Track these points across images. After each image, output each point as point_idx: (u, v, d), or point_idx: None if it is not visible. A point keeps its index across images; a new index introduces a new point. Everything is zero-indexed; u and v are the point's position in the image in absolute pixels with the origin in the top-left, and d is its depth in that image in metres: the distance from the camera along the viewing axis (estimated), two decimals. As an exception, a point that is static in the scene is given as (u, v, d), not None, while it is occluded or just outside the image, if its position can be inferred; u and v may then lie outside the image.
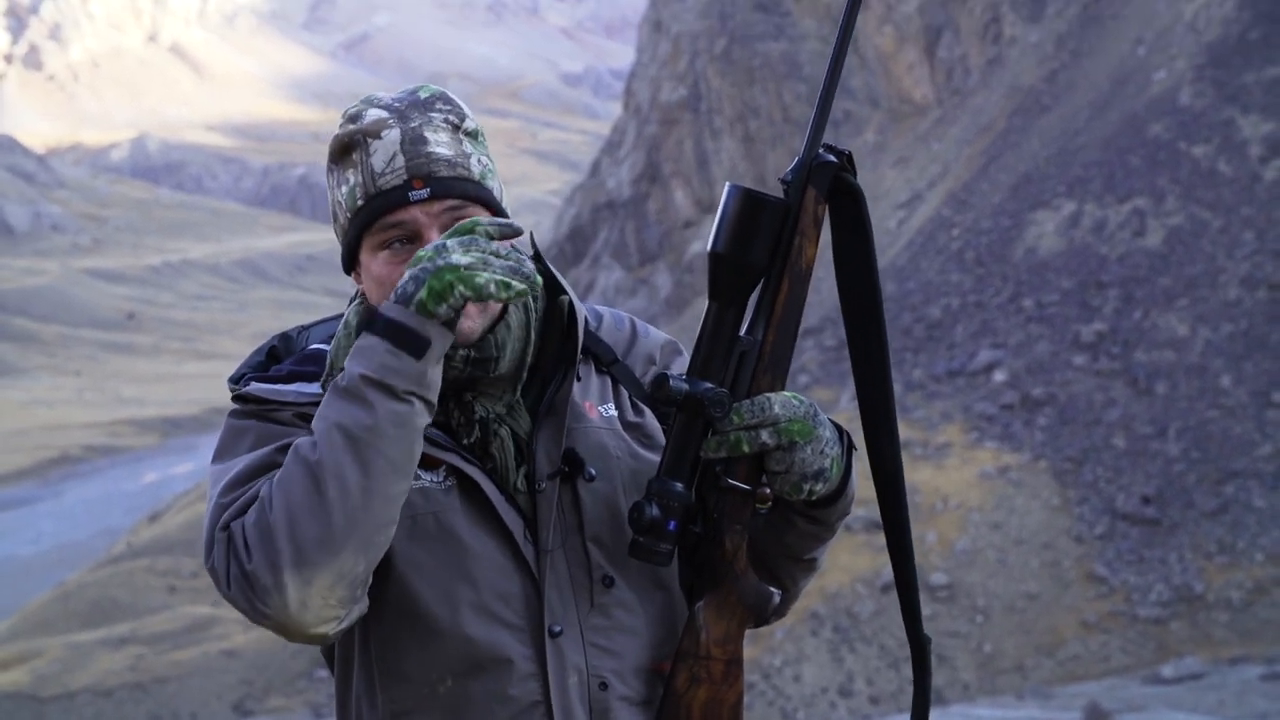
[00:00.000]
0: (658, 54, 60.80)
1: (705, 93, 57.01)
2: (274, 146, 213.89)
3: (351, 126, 2.95)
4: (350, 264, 3.01)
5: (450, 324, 2.72)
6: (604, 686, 2.92)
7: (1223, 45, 36.57)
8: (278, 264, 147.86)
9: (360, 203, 2.92)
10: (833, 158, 2.91)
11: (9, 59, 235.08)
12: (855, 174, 2.94)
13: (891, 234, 42.28)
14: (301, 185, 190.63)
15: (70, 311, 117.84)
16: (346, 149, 2.95)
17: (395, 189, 2.89)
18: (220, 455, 2.95)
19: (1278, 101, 34.34)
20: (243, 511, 2.76)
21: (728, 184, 2.90)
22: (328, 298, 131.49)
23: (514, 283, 2.69)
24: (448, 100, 2.99)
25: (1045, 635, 25.10)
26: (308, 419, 2.90)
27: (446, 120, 2.96)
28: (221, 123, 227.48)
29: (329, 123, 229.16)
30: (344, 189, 2.95)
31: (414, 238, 2.91)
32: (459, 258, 2.68)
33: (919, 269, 36.09)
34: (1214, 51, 36.53)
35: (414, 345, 2.70)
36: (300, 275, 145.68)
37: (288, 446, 2.81)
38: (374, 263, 2.94)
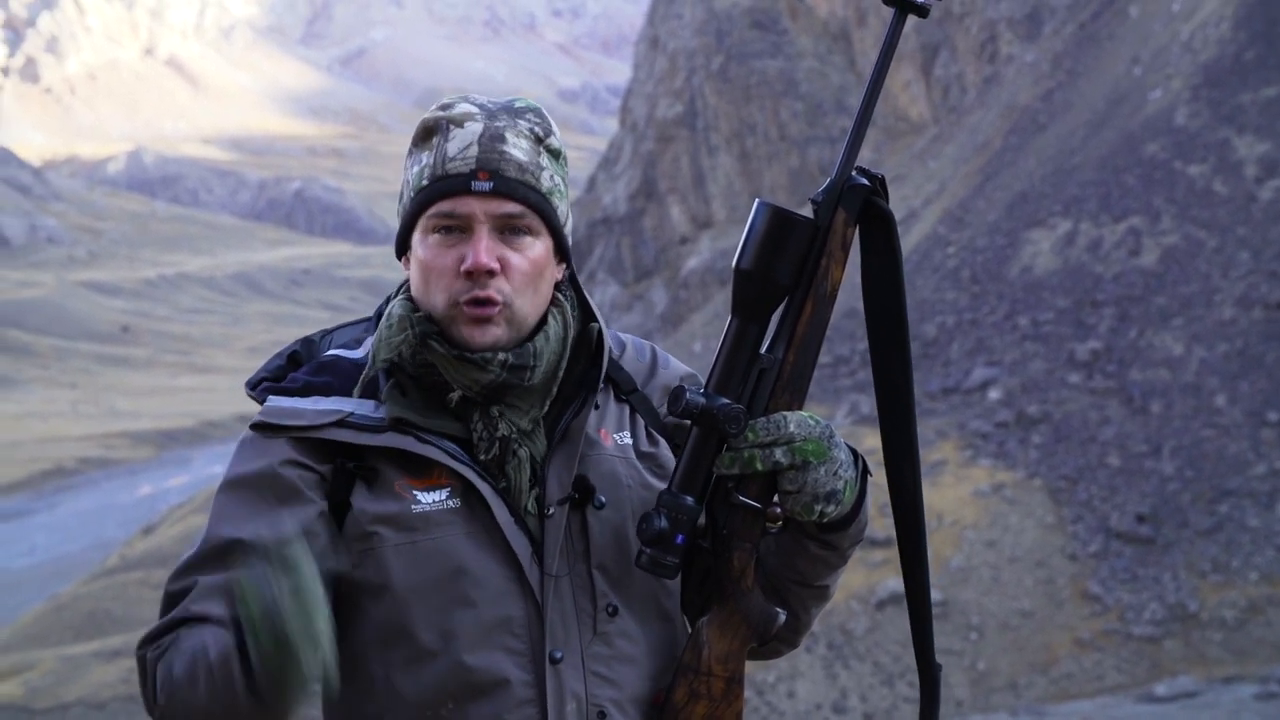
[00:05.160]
0: (654, 71, 60.83)
1: (702, 110, 57.03)
2: (270, 160, 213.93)
3: (440, 113, 2.98)
4: (403, 246, 3.03)
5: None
6: (602, 715, 2.90)
7: (1218, 65, 36.61)
8: (273, 278, 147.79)
9: (425, 183, 2.94)
10: (865, 181, 2.90)
11: (5, 72, 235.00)
12: (887, 198, 2.92)
13: (887, 251, 42.20)
14: (297, 199, 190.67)
15: (65, 324, 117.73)
16: (429, 132, 2.98)
17: (460, 175, 2.91)
18: (231, 471, 2.99)
19: (1273, 122, 34.37)
20: (161, 648, 2.86)
21: (757, 200, 2.89)
22: (324, 311, 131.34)
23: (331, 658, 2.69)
24: (540, 115, 3.02)
25: (1039, 653, 25.09)
26: (313, 443, 2.94)
27: (532, 130, 2.98)
28: (218, 136, 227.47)
29: (325, 137, 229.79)
30: (415, 169, 2.98)
31: (466, 227, 2.93)
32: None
33: (914, 286, 36.08)
34: (1210, 71, 36.57)
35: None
36: (296, 289, 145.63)
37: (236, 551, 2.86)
38: (422, 245, 2.96)
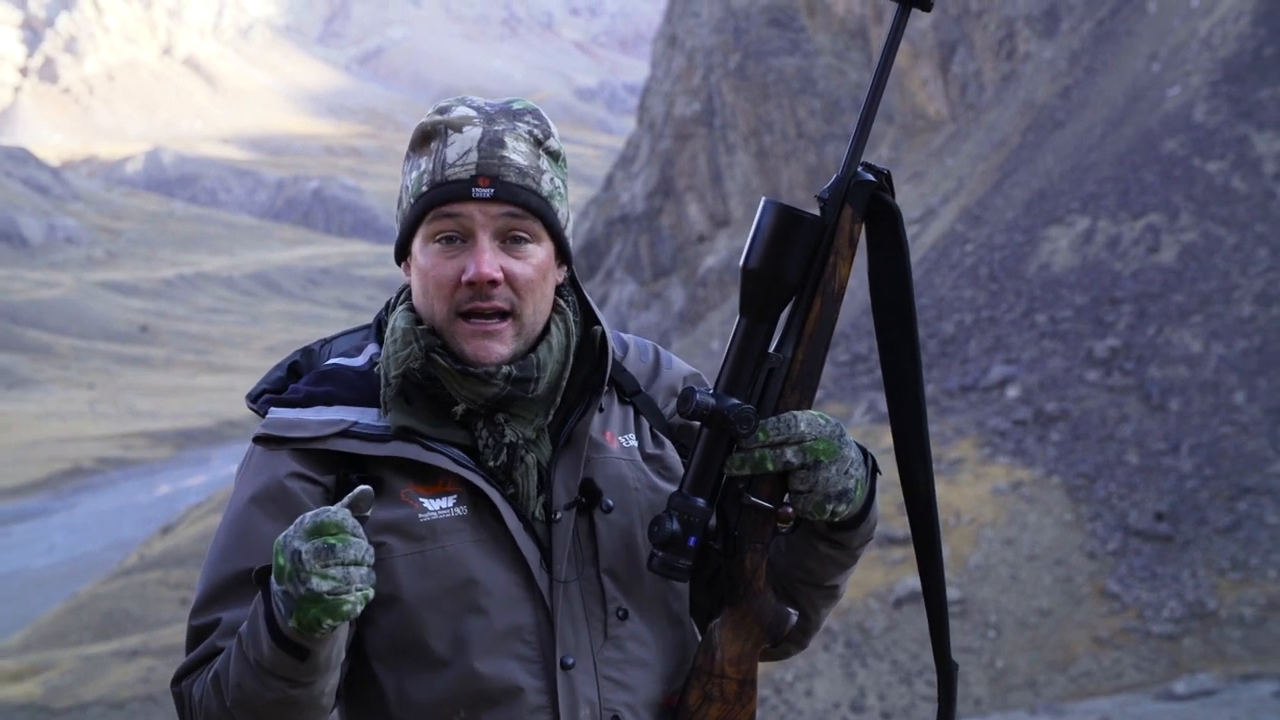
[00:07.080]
0: (672, 69, 60.84)
1: (719, 108, 57.04)
2: (288, 160, 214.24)
3: (437, 117, 2.96)
4: (403, 252, 3.01)
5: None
6: (616, 719, 2.90)
7: (1237, 61, 36.54)
8: (291, 277, 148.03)
9: (424, 189, 2.92)
10: (871, 176, 2.88)
11: (24, 72, 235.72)
12: (893, 194, 2.91)
13: (905, 249, 42.18)
14: (315, 199, 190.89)
15: (84, 324, 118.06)
16: (427, 137, 2.96)
17: (460, 182, 2.89)
18: (239, 488, 2.98)
19: (1292, 118, 34.32)
20: (197, 674, 2.89)
21: (764, 199, 2.86)
22: (341, 310, 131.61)
23: (370, 591, 2.64)
24: (538, 116, 2.99)
25: (1057, 651, 25.05)
26: (316, 454, 2.92)
27: (530, 133, 2.96)
28: (235, 136, 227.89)
29: (343, 136, 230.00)
30: (413, 174, 2.96)
31: (467, 235, 2.91)
32: (319, 583, 2.58)
33: (932, 284, 36.07)
34: (1229, 68, 36.50)
35: (297, 652, 2.66)
36: (313, 289, 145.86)
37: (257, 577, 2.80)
38: (423, 254, 2.94)
